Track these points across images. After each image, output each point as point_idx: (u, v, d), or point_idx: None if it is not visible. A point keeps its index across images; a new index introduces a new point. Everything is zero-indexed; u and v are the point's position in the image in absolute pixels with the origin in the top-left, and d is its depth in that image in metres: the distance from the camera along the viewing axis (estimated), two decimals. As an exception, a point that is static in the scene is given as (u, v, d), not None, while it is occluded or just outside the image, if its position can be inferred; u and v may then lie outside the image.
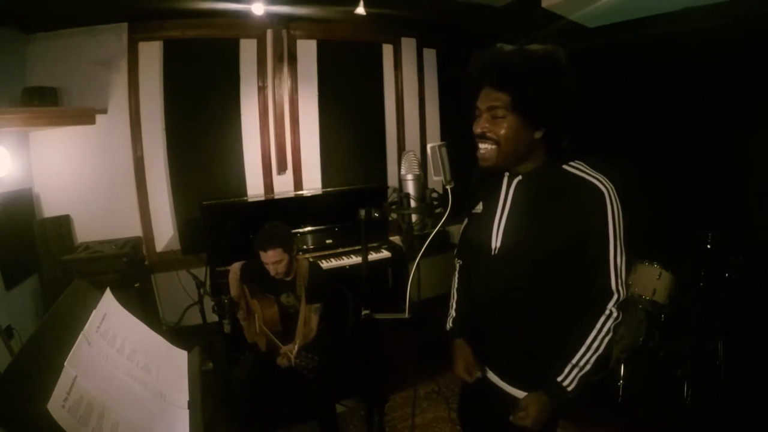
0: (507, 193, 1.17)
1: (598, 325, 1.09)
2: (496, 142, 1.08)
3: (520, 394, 1.18)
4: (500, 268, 1.17)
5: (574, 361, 1.09)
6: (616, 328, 1.09)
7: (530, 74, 1.02)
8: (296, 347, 2.04)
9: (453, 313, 1.40)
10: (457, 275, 1.44)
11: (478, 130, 1.10)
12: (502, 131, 1.06)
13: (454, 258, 1.46)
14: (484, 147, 1.10)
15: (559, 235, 1.07)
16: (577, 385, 1.09)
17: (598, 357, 1.09)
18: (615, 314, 1.09)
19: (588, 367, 1.09)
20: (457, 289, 1.43)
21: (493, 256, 1.17)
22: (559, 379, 1.10)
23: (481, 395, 1.30)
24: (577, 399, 1.21)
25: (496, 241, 1.16)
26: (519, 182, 1.15)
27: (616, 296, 1.09)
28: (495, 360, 1.26)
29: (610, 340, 1.09)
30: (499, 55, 1.07)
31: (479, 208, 1.25)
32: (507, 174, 1.18)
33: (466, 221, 1.38)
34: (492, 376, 1.27)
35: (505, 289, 1.17)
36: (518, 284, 1.14)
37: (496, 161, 1.10)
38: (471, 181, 1.33)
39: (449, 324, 1.40)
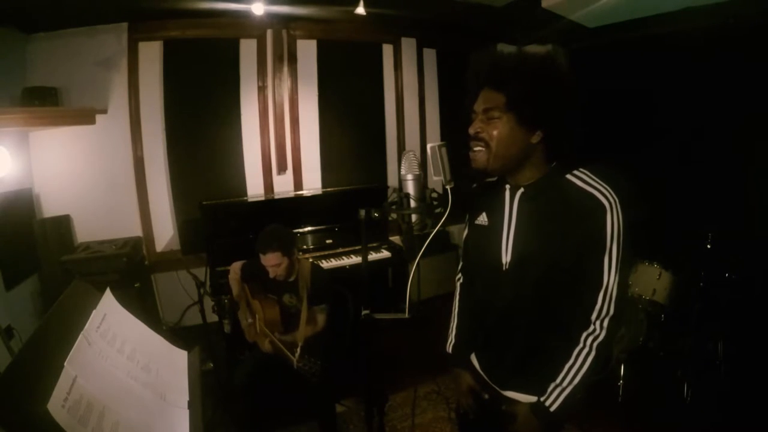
0: (511, 207, 1.14)
1: (579, 346, 1.07)
2: (487, 144, 1.06)
3: (521, 397, 1.17)
4: (509, 283, 1.14)
5: (557, 381, 1.09)
6: (600, 345, 1.06)
7: (524, 73, 1.01)
8: (299, 348, 2.03)
9: (453, 338, 1.37)
10: (458, 295, 1.41)
11: (471, 131, 1.08)
12: (495, 131, 1.04)
13: (458, 273, 1.43)
14: (476, 149, 1.08)
15: (563, 250, 1.05)
16: (561, 404, 1.07)
17: (582, 376, 1.06)
18: (597, 332, 1.06)
19: (570, 387, 1.07)
20: (459, 311, 1.39)
21: (504, 272, 1.14)
22: (542, 399, 1.10)
23: (481, 401, 1.30)
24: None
25: (506, 257, 1.13)
26: (522, 195, 1.12)
27: (603, 316, 1.06)
28: (498, 373, 1.25)
29: (594, 358, 1.06)
30: (495, 56, 1.07)
31: (483, 219, 1.22)
32: (508, 187, 1.15)
33: (467, 232, 1.34)
34: (495, 387, 1.26)
35: (513, 303, 1.15)
36: (526, 299, 1.12)
37: (486, 163, 1.08)
38: (471, 187, 1.30)
39: (449, 349, 1.38)
